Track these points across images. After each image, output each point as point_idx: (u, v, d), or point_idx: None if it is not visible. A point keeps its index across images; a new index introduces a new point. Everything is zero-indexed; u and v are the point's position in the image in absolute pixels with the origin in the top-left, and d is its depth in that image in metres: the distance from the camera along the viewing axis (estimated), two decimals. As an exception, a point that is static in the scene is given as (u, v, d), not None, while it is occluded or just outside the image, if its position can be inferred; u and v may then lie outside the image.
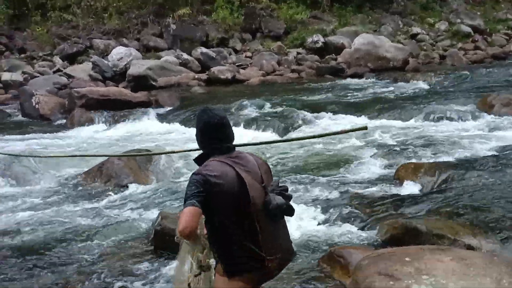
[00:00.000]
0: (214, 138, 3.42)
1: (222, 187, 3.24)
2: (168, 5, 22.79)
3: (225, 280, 3.37)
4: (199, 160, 3.49)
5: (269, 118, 12.53)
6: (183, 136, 12.01)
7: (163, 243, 6.02)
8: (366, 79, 18.08)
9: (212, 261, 3.48)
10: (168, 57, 19.25)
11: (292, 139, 4.72)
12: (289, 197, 3.42)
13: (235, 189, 3.26)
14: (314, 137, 4.07)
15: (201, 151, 3.54)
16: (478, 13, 25.80)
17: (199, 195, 3.20)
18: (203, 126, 3.45)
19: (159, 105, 15.24)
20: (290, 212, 3.42)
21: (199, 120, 3.49)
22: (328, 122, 12.20)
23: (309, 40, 21.60)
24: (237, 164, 3.34)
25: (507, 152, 8.69)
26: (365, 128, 3.83)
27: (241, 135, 11.48)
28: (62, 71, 18.71)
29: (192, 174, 3.32)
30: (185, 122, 13.30)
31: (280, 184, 3.46)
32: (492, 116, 11.40)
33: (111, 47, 20.19)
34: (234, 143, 3.52)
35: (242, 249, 3.32)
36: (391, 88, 15.94)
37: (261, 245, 3.31)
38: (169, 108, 14.87)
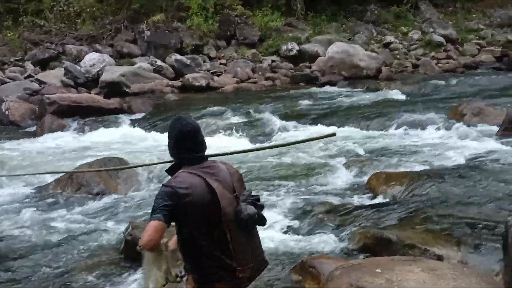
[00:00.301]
0: (186, 147, 3.40)
1: (191, 198, 3.21)
2: (142, 11, 22.63)
3: None
4: (171, 171, 3.46)
5: (243, 126, 12.52)
6: (156, 143, 11.91)
7: (133, 252, 5.88)
8: (339, 87, 18.16)
9: (180, 272, 3.45)
10: (142, 64, 19.10)
11: (262, 148, 4.63)
12: (261, 207, 3.41)
13: (205, 200, 3.24)
14: (283, 145, 4.08)
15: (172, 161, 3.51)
16: (450, 22, 26.15)
17: (165, 209, 3.16)
18: (176, 135, 3.42)
19: (132, 112, 15.11)
20: (262, 222, 3.41)
21: (172, 129, 3.45)
22: (300, 130, 12.23)
23: (284, 47, 21.65)
24: (207, 174, 3.31)
25: (478, 161, 8.79)
26: (334, 134, 3.85)
27: (215, 143, 11.46)
28: (33, 76, 18.41)
29: (162, 185, 3.29)
30: (158, 129, 13.22)
31: (252, 194, 3.44)
32: (463, 125, 11.50)
33: (84, 53, 19.96)
34: (207, 152, 3.50)
35: (211, 259, 3.29)
36: (364, 97, 16.03)
37: (232, 255, 3.29)
38: (142, 115, 14.76)
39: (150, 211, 3.21)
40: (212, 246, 3.28)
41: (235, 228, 3.29)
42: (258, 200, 3.43)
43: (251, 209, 3.31)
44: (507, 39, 24.50)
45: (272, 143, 10.70)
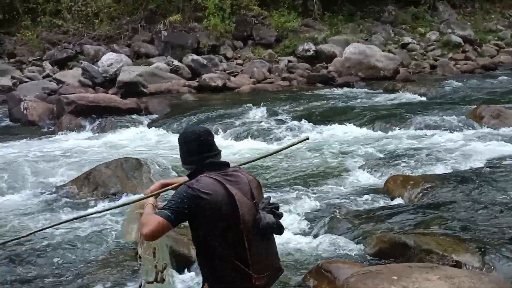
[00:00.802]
0: (203, 152, 3.39)
1: (211, 203, 3.20)
2: (159, 11, 22.71)
3: None
4: (192, 176, 3.42)
5: (260, 128, 12.45)
6: (172, 144, 11.92)
7: (147, 254, 5.96)
8: (356, 88, 18.10)
9: (170, 273, 3.51)
10: (159, 64, 19.16)
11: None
12: (279, 215, 3.37)
13: (224, 206, 3.22)
14: (259, 158, 3.91)
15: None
16: (469, 23, 25.92)
17: (179, 210, 3.17)
18: (190, 143, 3.42)
19: (149, 112, 15.14)
20: (280, 230, 3.37)
21: (185, 139, 3.46)
22: (316, 131, 12.15)
23: (300, 48, 21.59)
24: (228, 181, 3.29)
25: (497, 165, 8.69)
26: (307, 138, 3.83)
27: (231, 144, 11.47)
28: (51, 76, 18.57)
29: (185, 185, 3.28)
30: (175, 130, 13.23)
31: (271, 202, 3.41)
32: (482, 127, 11.41)
33: (101, 53, 20.06)
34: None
35: (226, 262, 3.28)
36: (382, 98, 15.95)
37: (249, 263, 3.26)
38: (159, 115, 14.79)
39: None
40: (227, 250, 3.25)
41: (253, 236, 3.26)
42: (277, 208, 3.40)
43: (270, 217, 3.28)
44: (526, 40, 24.28)
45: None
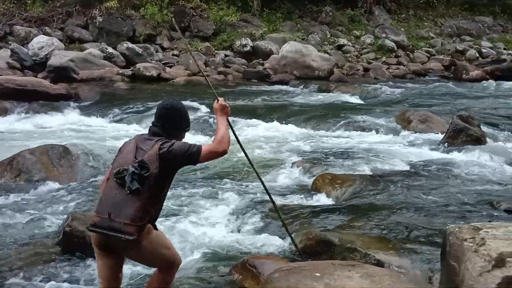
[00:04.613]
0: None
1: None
2: (95, -4, 22.18)
3: None
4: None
5: (193, 121, 12.33)
6: (102, 131, 11.69)
7: (71, 245, 5.80)
8: (291, 86, 18.26)
9: None
10: (92, 50, 18.70)
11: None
12: (139, 175, 3.77)
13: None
14: None
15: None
16: (402, 29, 26.60)
17: None
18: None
19: (79, 98, 14.80)
20: (132, 184, 3.77)
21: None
22: (247, 127, 12.13)
23: (238, 43, 21.60)
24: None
25: (421, 168, 8.93)
26: None
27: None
28: (-23, 56, 17.82)
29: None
30: (105, 117, 12.99)
31: (142, 164, 3.81)
32: (410, 131, 11.71)
33: (32, 35, 19.37)
34: None
35: None
36: (315, 97, 16.16)
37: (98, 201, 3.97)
38: (89, 102, 14.47)
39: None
40: None
41: (111, 181, 3.90)
42: (142, 168, 3.79)
43: (129, 170, 3.80)
44: (455, 49, 25.14)
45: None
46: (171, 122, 4.06)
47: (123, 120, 12.76)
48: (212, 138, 4.10)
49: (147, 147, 3.91)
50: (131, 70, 18.20)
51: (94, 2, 21.74)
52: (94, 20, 20.90)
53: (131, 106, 13.72)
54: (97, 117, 13.01)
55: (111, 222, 3.76)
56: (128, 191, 3.77)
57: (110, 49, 19.14)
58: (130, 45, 19.58)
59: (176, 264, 4.20)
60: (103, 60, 18.36)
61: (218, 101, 4.32)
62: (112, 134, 11.40)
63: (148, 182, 3.78)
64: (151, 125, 4.12)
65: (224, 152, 3.94)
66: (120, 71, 18.13)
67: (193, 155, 3.85)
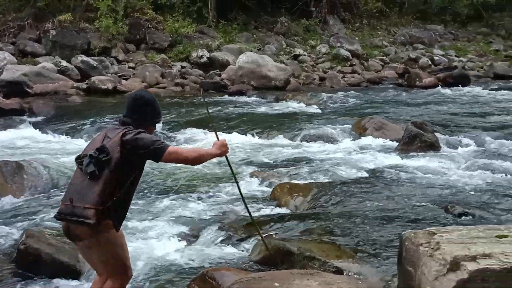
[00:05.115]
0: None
1: None
2: (48, 9, 21.84)
3: None
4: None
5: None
6: (57, 146, 11.47)
7: (26, 262, 5.68)
8: (248, 97, 18.30)
9: None
10: (46, 64, 18.39)
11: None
12: (97, 159, 3.80)
13: None
14: None
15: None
16: (357, 38, 27.03)
17: None
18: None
19: (33, 113, 14.50)
20: (88, 167, 3.81)
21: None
22: (204, 137, 12.07)
23: (194, 54, 21.57)
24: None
25: (378, 175, 9.07)
26: None
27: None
28: None
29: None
30: (61, 132, 12.75)
31: (103, 149, 3.86)
32: (366, 139, 11.86)
33: (-17, 49, 18.99)
34: None
35: None
36: (272, 107, 16.24)
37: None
38: (44, 117, 14.19)
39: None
40: None
41: (78, 168, 3.96)
42: (102, 152, 3.83)
43: (89, 157, 3.85)
44: (408, 57, 25.65)
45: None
46: (140, 113, 4.09)
47: (78, 134, 12.55)
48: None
49: (113, 135, 3.94)
50: (86, 84, 17.95)
51: (47, 16, 21.42)
52: (47, 34, 20.57)
53: (86, 119, 13.53)
54: (51, 131, 12.74)
55: (73, 208, 3.79)
56: (88, 176, 3.79)
57: (64, 63, 18.86)
58: (85, 58, 19.33)
59: (127, 276, 4.14)
60: (57, 73, 18.07)
61: (218, 140, 4.35)
62: (66, 149, 11.21)
63: (108, 167, 3.79)
64: (122, 116, 4.18)
65: (188, 162, 4.07)
66: (75, 85, 17.86)
67: (157, 151, 3.85)
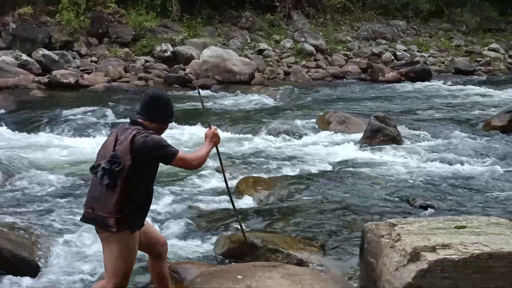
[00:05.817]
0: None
1: None
2: (8, 2, 21.36)
3: None
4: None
5: (108, 127, 12.08)
6: (16, 143, 11.24)
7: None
8: (213, 91, 18.23)
9: None
10: (5, 58, 18.00)
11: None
12: (110, 169, 3.84)
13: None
14: None
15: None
16: (321, 33, 27.14)
17: None
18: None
19: (-9, 108, 14.18)
20: (102, 178, 3.86)
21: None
22: (167, 132, 11.99)
23: (158, 48, 21.38)
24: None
25: (340, 169, 9.17)
26: None
27: (83, 143, 11.01)
28: None
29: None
30: (21, 127, 12.49)
31: (114, 156, 3.89)
32: (329, 133, 11.96)
33: None
34: None
35: None
36: (237, 101, 16.22)
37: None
38: (3, 111, 13.88)
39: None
40: None
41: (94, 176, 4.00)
42: (113, 162, 3.86)
43: (103, 164, 3.89)
44: (372, 52, 25.88)
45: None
46: (156, 111, 4.14)
47: (38, 129, 12.32)
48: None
49: (124, 136, 3.98)
50: (48, 78, 17.64)
51: (7, 9, 20.96)
52: (7, 27, 20.14)
53: (47, 114, 13.28)
54: (11, 126, 12.48)
55: (95, 216, 3.96)
56: (104, 186, 3.87)
57: (24, 57, 18.51)
58: (46, 52, 18.99)
59: (124, 281, 4.13)
60: (18, 68, 17.73)
61: (210, 128, 4.46)
62: (26, 143, 11.02)
63: (121, 175, 3.86)
64: (135, 114, 4.19)
65: (193, 168, 4.26)
66: (36, 79, 17.56)
67: (168, 156, 3.99)
